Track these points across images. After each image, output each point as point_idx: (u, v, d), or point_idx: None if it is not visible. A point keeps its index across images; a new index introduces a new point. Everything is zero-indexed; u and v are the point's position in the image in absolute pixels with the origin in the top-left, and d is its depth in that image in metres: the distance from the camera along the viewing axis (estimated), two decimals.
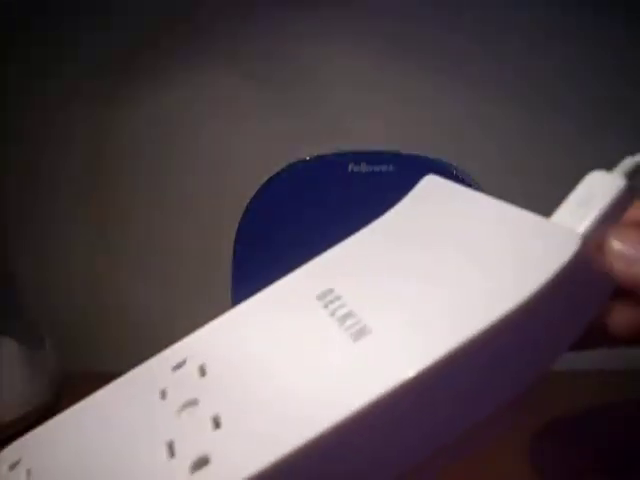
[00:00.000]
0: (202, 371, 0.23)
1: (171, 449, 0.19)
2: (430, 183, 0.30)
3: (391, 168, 0.56)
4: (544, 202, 0.63)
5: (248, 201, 0.59)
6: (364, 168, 0.57)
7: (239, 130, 0.61)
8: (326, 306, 0.22)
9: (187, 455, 0.18)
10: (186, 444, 0.19)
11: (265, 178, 0.59)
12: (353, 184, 0.57)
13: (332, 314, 0.22)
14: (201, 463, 0.18)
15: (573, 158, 0.57)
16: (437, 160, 0.56)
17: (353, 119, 0.59)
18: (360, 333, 0.20)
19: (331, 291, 0.23)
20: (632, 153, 0.23)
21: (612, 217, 0.20)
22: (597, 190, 0.21)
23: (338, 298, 0.23)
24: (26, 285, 0.64)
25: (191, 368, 0.24)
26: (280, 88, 0.60)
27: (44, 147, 0.63)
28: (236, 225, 0.60)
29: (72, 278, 0.63)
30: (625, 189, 0.20)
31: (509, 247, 0.21)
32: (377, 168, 0.56)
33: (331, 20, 0.58)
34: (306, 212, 0.57)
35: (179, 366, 0.25)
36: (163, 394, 0.23)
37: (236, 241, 0.59)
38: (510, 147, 0.58)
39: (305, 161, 0.58)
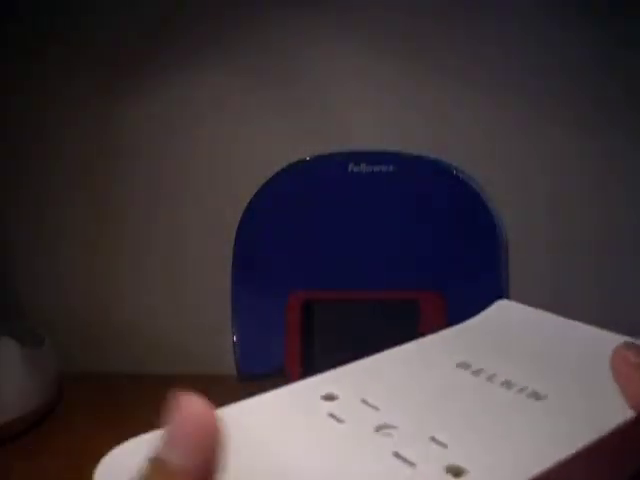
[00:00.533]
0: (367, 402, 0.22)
1: (405, 459, 0.19)
2: (502, 308, 0.30)
3: (391, 168, 0.56)
4: (544, 202, 0.64)
5: (248, 201, 0.59)
6: (364, 168, 0.57)
7: (239, 130, 0.61)
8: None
9: (437, 462, 0.18)
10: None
11: (265, 178, 0.59)
12: (353, 184, 0.57)
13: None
14: (457, 471, 0.18)
15: (574, 159, 0.58)
16: (437, 160, 0.56)
17: (353, 119, 0.59)
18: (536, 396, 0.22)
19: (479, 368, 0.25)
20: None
21: None
22: None
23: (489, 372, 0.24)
24: (26, 285, 0.64)
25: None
26: (280, 88, 0.60)
27: (44, 147, 0.63)
28: (236, 225, 0.60)
29: (72, 279, 0.63)
30: None
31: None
32: (377, 168, 0.56)
33: (332, 21, 0.58)
34: (306, 212, 0.57)
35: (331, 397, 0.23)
36: (338, 419, 0.21)
37: (236, 241, 0.59)
38: (510, 147, 0.58)
39: (305, 161, 0.58)
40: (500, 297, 0.59)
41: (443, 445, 0.19)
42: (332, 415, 0.21)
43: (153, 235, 0.62)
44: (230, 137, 0.61)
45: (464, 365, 0.25)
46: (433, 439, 0.19)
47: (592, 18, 0.56)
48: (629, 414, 0.21)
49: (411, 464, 0.18)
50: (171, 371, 0.58)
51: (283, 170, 0.58)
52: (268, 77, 0.59)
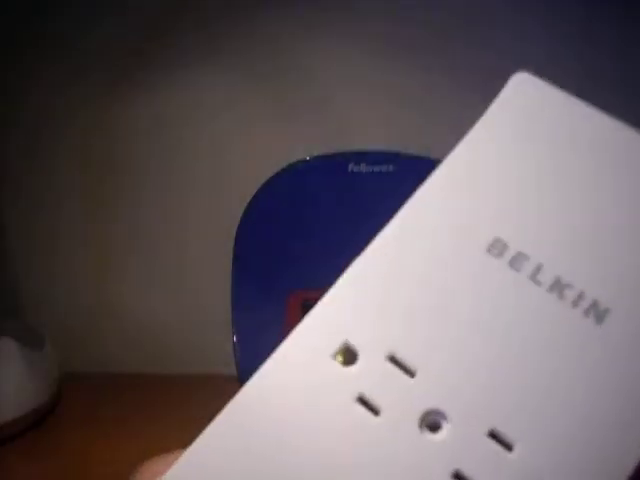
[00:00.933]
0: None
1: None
2: (521, 94, 0.20)
3: (391, 168, 0.56)
4: None
5: (248, 201, 0.59)
6: (364, 168, 0.57)
7: (239, 130, 0.60)
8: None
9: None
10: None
11: (265, 178, 0.59)
12: (353, 184, 0.57)
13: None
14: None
15: None
16: (437, 160, 0.56)
17: (353, 119, 0.59)
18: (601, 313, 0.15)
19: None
20: None
21: None
22: None
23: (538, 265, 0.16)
24: (26, 285, 0.64)
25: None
26: (280, 88, 0.60)
27: (44, 148, 0.63)
28: (236, 225, 0.60)
29: (72, 278, 0.63)
30: None
31: None
32: (377, 168, 0.56)
33: (332, 21, 0.58)
34: (306, 212, 0.57)
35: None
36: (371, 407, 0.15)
37: (236, 241, 0.59)
38: None
39: (305, 161, 0.58)
40: None
41: (507, 446, 0.14)
42: (362, 400, 0.15)
43: (153, 235, 0.62)
44: (230, 137, 0.60)
45: (497, 246, 0.16)
46: (493, 434, 0.14)
47: (595, 17, 0.56)
48: None
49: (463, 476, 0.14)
50: (171, 371, 0.58)
51: (283, 170, 0.58)
52: (268, 77, 0.59)
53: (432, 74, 0.58)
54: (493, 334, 0.15)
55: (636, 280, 0.15)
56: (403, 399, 0.15)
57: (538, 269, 0.16)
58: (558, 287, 0.15)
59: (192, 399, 0.51)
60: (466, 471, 0.14)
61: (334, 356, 0.16)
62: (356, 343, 0.16)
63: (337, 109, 0.59)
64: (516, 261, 0.16)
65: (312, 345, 0.17)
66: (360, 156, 0.56)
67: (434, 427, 0.15)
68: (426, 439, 0.14)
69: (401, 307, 0.16)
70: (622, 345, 0.14)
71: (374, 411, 0.15)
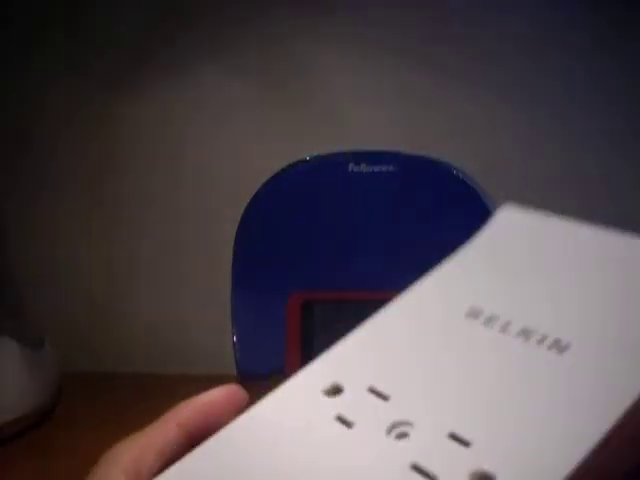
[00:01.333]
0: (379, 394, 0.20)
1: (427, 474, 0.16)
2: (506, 217, 0.27)
3: (391, 168, 0.56)
4: (545, 202, 0.63)
5: (248, 201, 0.59)
6: (364, 168, 0.57)
7: (239, 130, 0.60)
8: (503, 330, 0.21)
9: (461, 472, 0.16)
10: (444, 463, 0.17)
11: (265, 178, 0.59)
12: (353, 184, 0.57)
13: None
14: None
15: (575, 159, 0.58)
16: (437, 160, 0.56)
17: (353, 119, 0.59)
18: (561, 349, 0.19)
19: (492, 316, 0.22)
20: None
21: None
22: None
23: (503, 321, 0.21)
24: (26, 285, 0.64)
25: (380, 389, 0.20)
26: (280, 88, 0.60)
27: (44, 148, 0.63)
28: (236, 225, 0.60)
29: (72, 280, 0.63)
30: None
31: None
32: (377, 168, 0.56)
33: (332, 20, 0.58)
34: (306, 212, 0.57)
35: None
36: (346, 422, 0.19)
37: (236, 241, 0.59)
38: (511, 147, 0.58)
39: (305, 161, 0.58)
40: None
41: (465, 443, 0.17)
42: (340, 418, 0.19)
43: (153, 235, 0.62)
44: (230, 137, 0.60)
45: (474, 313, 0.21)
46: (453, 436, 0.17)
47: (598, 14, 0.56)
48: None
49: (433, 477, 0.16)
50: (171, 371, 0.58)
51: (283, 170, 0.58)
52: (268, 77, 0.59)
53: (432, 75, 0.58)
54: (466, 369, 0.20)
55: (592, 320, 0.19)
56: (374, 414, 0.18)
57: (507, 324, 0.21)
58: (525, 333, 0.20)
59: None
60: (423, 463, 0.16)
61: (324, 392, 0.20)
62: (343, 381, 0.20)
63: (337, 109, 0.59)
64: (489, 321, 0.21)
65: (310, 384, 0.21)
66: (360, 156, 0.56)
67: (401, 435, 0.18)
68: (391, 442, 0.17)
69: (397, 362, 0.21)
70: (578, 370, 0.18)
71: (348, 425, 0.19)
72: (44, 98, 0.62)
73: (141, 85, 0.61)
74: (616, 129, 0.56)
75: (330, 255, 0.56)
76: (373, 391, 0.19)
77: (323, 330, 0.56)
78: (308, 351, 0.56)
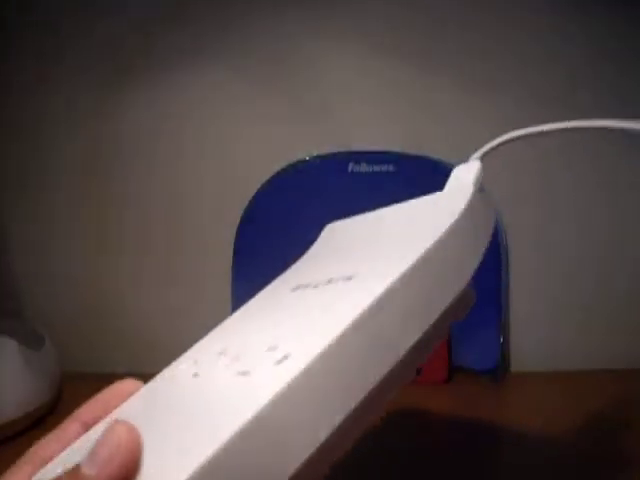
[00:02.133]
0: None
1: (246, 373, 0.22)
2: (329, 229, 0.36)
3: (391, 168, 0.56)
4: (545, 202, 0.63)
5: (248, 201, 0.59)
6: (364, 168, 0.57)
7: (239, 130, 0.60)
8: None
9: (269, 363, 0.22)
10: None
11: (265, 178, 0.59)
12: (353, 184, 0.57)
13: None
14: (282, 359, 0.21)
15: (575, 159, 0.58)
16: (437, 160, 0.56)
17: (353, 119, 0.59)
18: None
19: None
20: None
21: (478, 182, 0.31)
22: (464, 170, 0.32)
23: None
24: (26, 285, 0.64)
25: None
26: (280, 88, 0.60)
27: (44, 148, 0.63)
28: (236, 225, 0.60)
29: (72, 279, 0.63)
30: (480, 166, 0.32)
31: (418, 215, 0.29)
32: (377, 168, 0.56)
33: (332, 20, 0.58)
34: (306, 212, 0.57)
35: None
36: (196, 375, 0.25)
37: (236, 241, 0.59)
38: (511, 147, 0.58)
39: (305, 161, 0.58)
40: (499, 297, 0.59)
41: (274, 349, 0.22)
42: (195, 374, 0.25)
43: (153, 235, 0.62)
44: (230, 137, 0.60)
45: (297, 287, 0.29)
46: (268, 349, 0.23)
47: (592, 16, 0.56)
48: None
49: (249, 373, 0.22)
50: None
51: (283, 170, 0.58)
52: (268, 77, 0.59)
53: (432, 75, 0.58)
54: (283, 313, 0.27)
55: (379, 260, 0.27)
56: (215, 363, 0.25)
57: (317, 283, 0.28)
58: (329, 282, 0.27)
59: None
60: (242, 368, 0.22)
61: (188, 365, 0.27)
62: (199, 357, 0.27)
63: (337, 109, 0.59)
64: (305, 287, 0.28)
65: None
66: (360, 156, 0.57)
67: (232, 365, 0.23)
68: (225, 370, 0.23)
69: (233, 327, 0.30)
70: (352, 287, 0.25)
71: (196, 375, 0.25)
72: (44, 99, 0.62)
73: (140, 85, 0.61)
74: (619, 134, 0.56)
75: None
76: (218, 353, 0.26)
77: None
78: None
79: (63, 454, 0.24)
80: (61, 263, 0.63)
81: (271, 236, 0.58)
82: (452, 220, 0.26)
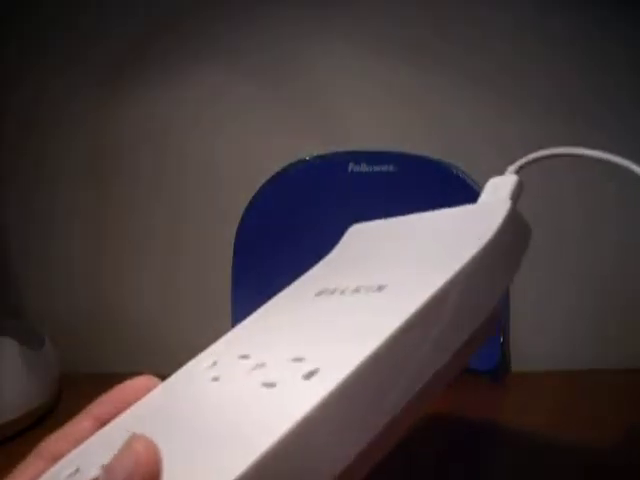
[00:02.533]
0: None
1: (271, 384, 0.21)
2: (354, 231, 0.35)
3: (391, 168, 0.56)
4: (545, 202, 0.63)
5: (248, 201, 0.59)
6: (364, 168, 0.57)
7: (239, 130, 0.61)
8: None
9: (296, 375, 0.21)
10: None
11: (265, 178, 0.59)
12: (353, 184, 0.57)
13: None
14: (310, 374, 0.20)
15: (575, 159, 0.57)
16: (437, 160, 0.56)
17: (353, 119, 0.59)
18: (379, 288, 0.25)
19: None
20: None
21: (516, 195, 0.30)
22: (500, 183, 0.32)
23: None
24: (27, 285, 0.64)
25: None
26: (280, 88, 0.60)
27: (44, 148, 0.63)
28: (236, 225, 0.60)
29: (72, 279, 0.63)
30: (518, 180, 0.32)
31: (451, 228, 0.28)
32: (377, 168, 0.56)
33: (332, 20, 0.58)
34: (306, 212, 0.57)
35: None
36: (216, 379, 0.24)
37: (236, 241, 0.59)
38: (511, 147, 0.58)
39: (305, 161, 0.58)
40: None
41: (300, 360, 0.21)
42: (214, 378, 0.24)
43: (153, 235, 0.62)
44: (230, 137, 0.61)
45: (322, 292, 0.28)
46: (294, 359, 0.22)
47: (595, 17, 0.56)
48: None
49: (274, 385, 0.21)
50: (171, 371, 0.58)
51: (283, 170, 0.58)
52: (268, 77, 0.59)
53: (432, 75, 0.58)
54: (308, 319, 0.26)
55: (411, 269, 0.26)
56: (237, 368, 0.23)
57: (345, 289, 0.27)
58: (357, 290, 0.26)
59: None
60: (268, 379, 0.21)
61: (206, 367, 0.26)
62: (220, 358, 0.26)
63: (337, 109, 0.59)
64: (331, 293, 0.27)
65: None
66: (360, 156, 0.56)
67: (256, 373, 0.22)
68: (248, 377, 0.22)
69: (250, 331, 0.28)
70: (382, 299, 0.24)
71: (217, 380, 0.23)
72: (44, 99, 0.62)
73: (141, 86, 0.61)
74: (624, 129, 0.56)
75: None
76: (241, 356, 0.24)
77: None
78: None
79: (75, 452, 0.24)
80: (61, 263, 0.63)
81: (271, 236, 0.58)
82: (489, 235, 0.25)
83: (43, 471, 0.23)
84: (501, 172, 0.34)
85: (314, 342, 0.23)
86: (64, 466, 0.23)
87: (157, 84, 0.61)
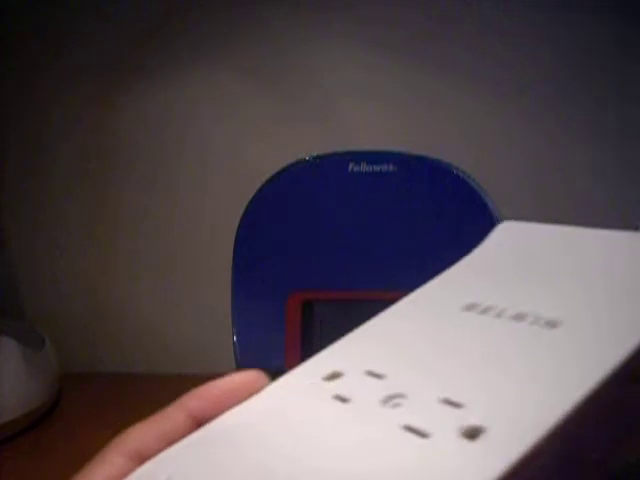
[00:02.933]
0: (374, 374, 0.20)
1: (418, 431, 0.17)
2: (506, 228, 0.28)
3: (391, 168, 0.56)
4: (545, 202, 0.63)
5: (248, 201, 0.59)
6: (364, 168, 0.57)
7: (239, 130, 0.60)
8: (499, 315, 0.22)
9: (451, 428, 0.16)
10: (439, 422, 0.17)
11: (265, 178, 0.59)
12: (353, 184, 0.57)
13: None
14: (473, 433, 0.16)
15: (575, 159, 0.58)
16: (437, 160, 0.56)
17: (353, 119, 0.59)
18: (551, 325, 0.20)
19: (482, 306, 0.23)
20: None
21: None
22: None
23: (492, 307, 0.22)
24: (26, 286, 0.64)
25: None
26: (280, 88, 0.60)
27: (44, 148, 0.63)
28: (236, 225, 0.60)
29: (72, 280, 0.63)
30: None
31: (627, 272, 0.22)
32: (377, 168, 0.56)
33: (332, 20, 0.58)
34: (306, 212, 0.57)
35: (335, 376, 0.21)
36: (342, 399, 0.19)
37: (236, 241, 0.59)
38: (511, 147, 0.58)
39: (305, 161, 0.58)
40: None
41: (457, 405, 0.17)
42: (337, 396, 0.19)
43: (153, 235, 0.62)
44: (230, 137, 0.60)
45: (471, 306, 0.23)
46: (446, 401, 0.18)
47: (592, 17, 0.56)
48: None
49: (423, 435, 0.17)
50: (171, 371, 0.58)
51: (283, 170, 0.58)
52: (268, 77, 0.59)
53: (433, 74, 0.58)
54: (459, 347, 0.21)
55: (587, 304, 0.21)
56: (369, 390, 0.19)
57: (502, 311, 0.22)
58: (519, 317, 0.21)
59: None
60: (415, 424, 0.17)
61: (324, 378, 0.21)
62: (343, 368, 0.21)
63: (338, 109, 0.59)
64: (485, 311, 0.22)
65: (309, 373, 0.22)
66: (360, 156, 0.56)
67: (395, 405, 0.18)
68: (385, 410, 0.18)
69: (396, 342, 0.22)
70: (565, 342, 0.19)
71: (344, 401, 0.19)
72: (44, 99, 0.62)
73: (141, 85, 0.61)
74: (623, 129, 0.56)
75: (330, 255, 0.56)
76: (370, 373, 0.20)
77: (323, 330, 0.56)
78: (308, 350, 0.56)
79: (167, 456, 0.20)
80: (61, 263, 0.63)
81: (271, 236, 0.58)
82: None
83: (122, 472, 0.19)
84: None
85: (471, 381, 0.18)
86: (152, 474, 0.19)
87: (158, 84, 0.61)
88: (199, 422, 0.21)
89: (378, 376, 0.20)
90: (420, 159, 0.56)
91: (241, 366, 0.56)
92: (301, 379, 0.22)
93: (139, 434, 0.21)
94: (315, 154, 0.58)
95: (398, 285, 0.60)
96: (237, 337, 0.57)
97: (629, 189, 0.56)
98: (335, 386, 0.20)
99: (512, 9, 0.56)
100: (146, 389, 0.56)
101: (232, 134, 0.60)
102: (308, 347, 0.56)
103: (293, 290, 0.56)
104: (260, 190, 0.58)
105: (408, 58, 0.58)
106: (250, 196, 0.58)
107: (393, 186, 0.56)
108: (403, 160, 0.56)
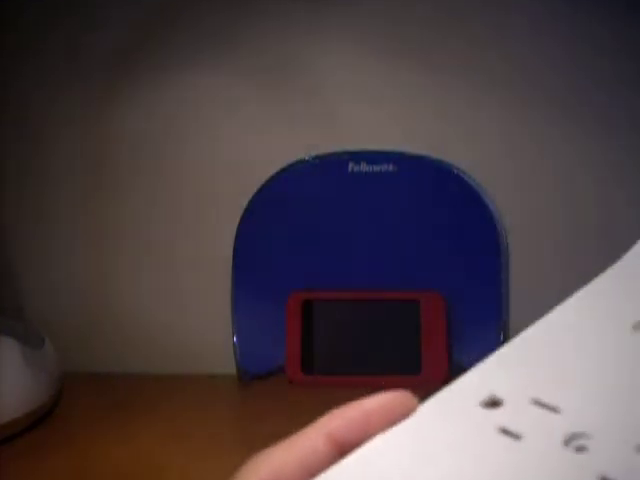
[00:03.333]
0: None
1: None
2: None
3: (392, 168, 0.56)
4: (545, 202, 0.63)
5: (248, 201, 0.59)
6: (364, 168, 0.57)
7: (239, 130, 0.60)
8: None
9: None
10: None
11: (265, 178, 0.59)
12: (353, 184, 0.57)
13: None
14: None
15: (575, 159, 0.58)
16: (438, 160, 0.56)
17: (353, 119, 0.59)
18: None
19: None
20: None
21: None
22: None
23: None
24: (26, 286, 0.64)
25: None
26: (280, 88, 0.60)
27: (44, 148, 0.63)
28: (236, 225, 0.60)
29: (72, 280, 0.63)
30: None
31: None
32: (377, 168, 0.56)
33: (332, 20, 0.58)
34: (306, 212, 0.57)
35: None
36: (512, 434, 0.17)
37: (236, 241, 0.59)
38: (511, 147, 0.58)
39: (305, 161, 0.58)
40: (499, 297, 0.59)
41: None
42: (504, 430, 0.17)
43: (153, 235, 0.62)
44: (230, 137, 0.60)
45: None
46: None
47: (596, 15, 0.56)
48: None
49: None
50: (171, 371, 0.58)
51: (283, 170, 0.58)
52: (268, 77, 0.59)
53: (433, 74, 0.58)
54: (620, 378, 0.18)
55: None
56: (545, 426, 0.17)
57: None
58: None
59: (192, 399, 0.51)
60: (613, 476, 0.15)
61: (481, 404, 0.18)
62: (501, 394, 0.18)
63: (338, 109, 0.59)
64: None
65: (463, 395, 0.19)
66: (360, 156, 0.57)
67: (580, 448, 0.16)
68: (570, 454, 0.16)
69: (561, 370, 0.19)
70: None
71: (515, 437, 0.16)
72: (44, 99, 0.62)
73: (142, 86, 0.61)
74: (623, 130, 0.56)
75: (330, 255, 0.56)
76: (537, 402, 0.17)
77: (323, 329, 0.56)
78: (308, 351, 0.56)
79: None
80: (61, 263, 0.63)
81: (271, 236, 0.58)
82: None
83: None
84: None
85: None
86: None
87: (158, 85, 0.61)
88: (339, 444, 0.20)
89: (551, 408, 0.17)
90: (420, 159, 0.56)
91: (241, 366, 0.56)
92: (454, 404, 0.19)
93: (276, 457, 0.20)
94: (315, 154, 0.58)
95: (398, 285, 0.60)
96: (237, 337, 0.57)
97: (630, 189, 0.56)
98: (498, 416, 0.17)
99: (516, 7, 0.56)
100: (146, 389, 0.56)
101: (232, 134, 0.60)
102: (308, 347, 0.56)
103: (293, 290, 0.56)
104: (260, 190, 0.58)
105: (408, 58, 0.58)
106: (250, 196, 0.58)
107: (393, 186, 0.56)
108: (403, 160, 0.56)
